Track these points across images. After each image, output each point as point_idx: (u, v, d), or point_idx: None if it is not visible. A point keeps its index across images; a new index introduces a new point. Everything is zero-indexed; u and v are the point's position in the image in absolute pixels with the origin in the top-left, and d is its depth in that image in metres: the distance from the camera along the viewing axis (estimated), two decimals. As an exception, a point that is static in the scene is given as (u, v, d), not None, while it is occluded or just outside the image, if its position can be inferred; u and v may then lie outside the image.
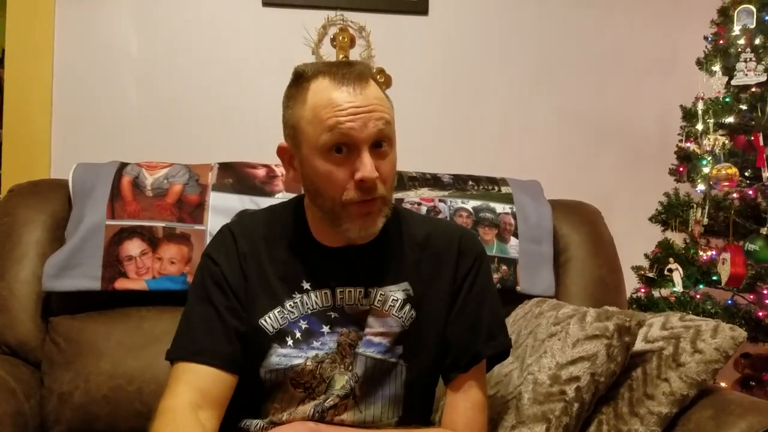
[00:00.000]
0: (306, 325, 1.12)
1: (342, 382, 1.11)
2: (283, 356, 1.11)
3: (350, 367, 1.12)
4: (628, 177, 2.33)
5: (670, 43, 2.34)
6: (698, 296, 1.93)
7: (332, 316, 1.13)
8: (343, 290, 1.13)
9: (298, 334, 1.11)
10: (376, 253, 1.15)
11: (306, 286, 1.13)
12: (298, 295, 1.13)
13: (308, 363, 1.11)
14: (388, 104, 1.07)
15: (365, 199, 1.03)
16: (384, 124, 1.02)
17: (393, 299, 1.14)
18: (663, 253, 2.07)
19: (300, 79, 1.07)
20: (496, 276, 1.64)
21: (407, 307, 1.14)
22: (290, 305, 1.12)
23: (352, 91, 1.01)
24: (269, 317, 1.11)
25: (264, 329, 1.11)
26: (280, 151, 1.12)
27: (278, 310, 1.12)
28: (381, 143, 1.04)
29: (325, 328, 1.12)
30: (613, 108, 2.33)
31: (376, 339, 1.12)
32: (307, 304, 1.12)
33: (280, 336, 1.11)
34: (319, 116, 1.02)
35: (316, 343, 1.11)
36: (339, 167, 1.02)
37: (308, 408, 1.10)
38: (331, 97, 1.01)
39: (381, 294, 1.13)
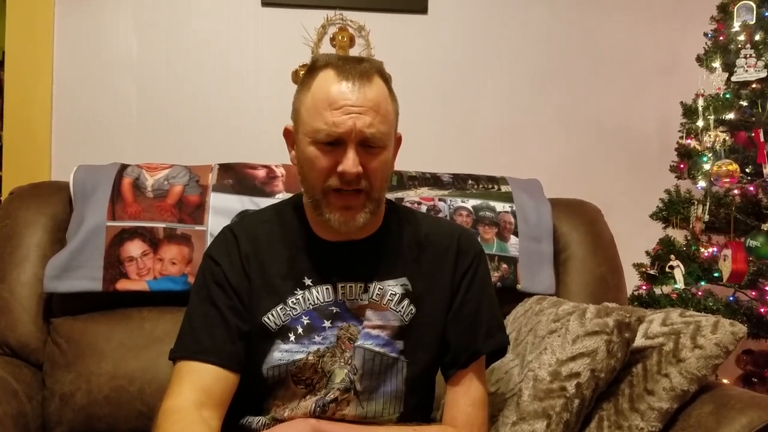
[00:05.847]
0: (308, 321, 1.13)
1: (341, 375, 1.12)
2: (286, 351, 1.12)
3: (349, 361, 1.12)
4: (628, 174, 2.33)
5: (670, 42, 2.33)
6: (700, 293, 1.92)
7: (333, 311, 1.14)
8: (345, 285, 1.14)
9: (300, 330, 1.12)
10: (375, 248, 1.16)
11: (308, 282, 1.14)
12: (300, 291, 1.13)
13: (310, 357, 1.12)
14: (388, 107, 1.08)
15: (345, 190, 1.05)
16: (374, 128, 1.04)
17: (391, 293, 1.15)
18: (664, 250, 2.06)
19: (312, 67, 1.10)
20: (496, 274, 1.64)
21: (405, 302, 1.15)
22: (292, 302, 1.13)
23: (351, 88, 1.04)
24: (272, 314, 1.12)
25: (267, 326, 1.12)
26: (286, 132, 1.16)
27: (281, 307, 1.13)
28: (371, 143, 1.05)
29: (327, 323, 1.13)
30: (613, 106, 2.33)
31: (375, 332, 1.14)
32: (309, 299, 1.13)
33: (283, 332, 1.12)
34: (316, 106, 1.05)
35: (317, 338, 1.12)
36: (325, 155, 1.06)
37: (310, 404, 1.11)
38: (330, 91, 1.04)
39: (379, 288, 1.14)
